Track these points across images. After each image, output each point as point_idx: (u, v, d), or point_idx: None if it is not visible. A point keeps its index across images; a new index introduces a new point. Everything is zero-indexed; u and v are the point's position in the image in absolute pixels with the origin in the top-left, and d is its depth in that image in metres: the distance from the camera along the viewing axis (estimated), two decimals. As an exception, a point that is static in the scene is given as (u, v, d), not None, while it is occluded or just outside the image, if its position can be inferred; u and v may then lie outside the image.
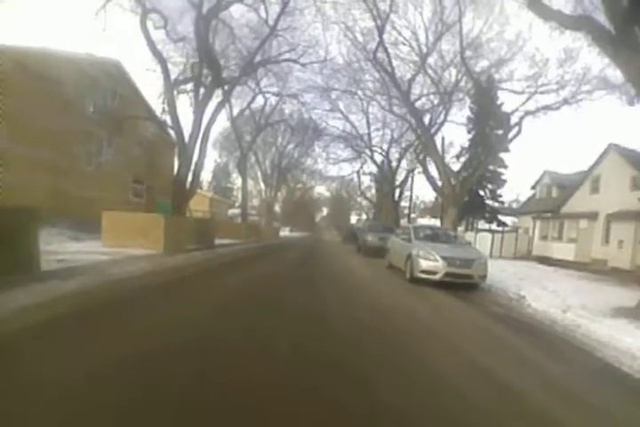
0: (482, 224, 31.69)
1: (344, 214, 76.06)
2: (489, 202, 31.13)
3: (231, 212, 47.70)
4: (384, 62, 16.87)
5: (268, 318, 4.89)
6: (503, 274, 10.91)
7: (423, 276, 8.52)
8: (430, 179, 18.80)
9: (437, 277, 8.33)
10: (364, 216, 63.84)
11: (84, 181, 15.73)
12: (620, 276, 14.12)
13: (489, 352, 4.24)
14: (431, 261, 8.39)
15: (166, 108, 14.62)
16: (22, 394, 2.39)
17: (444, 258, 8.33)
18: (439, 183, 18.12)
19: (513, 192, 68.93)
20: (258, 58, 17.73)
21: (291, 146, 34.64)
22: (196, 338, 3.73)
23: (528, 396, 3.07)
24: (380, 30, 15.33)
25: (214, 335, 3.93)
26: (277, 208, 52.17)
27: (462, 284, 8.42)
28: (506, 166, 30.84)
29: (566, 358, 4.35)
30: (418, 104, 20.16)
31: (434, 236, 10.06)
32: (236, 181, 59.35)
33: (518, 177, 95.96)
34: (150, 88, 34.04)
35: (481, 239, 23.63)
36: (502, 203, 31.85)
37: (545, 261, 19.95)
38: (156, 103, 18.15)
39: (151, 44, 13.64)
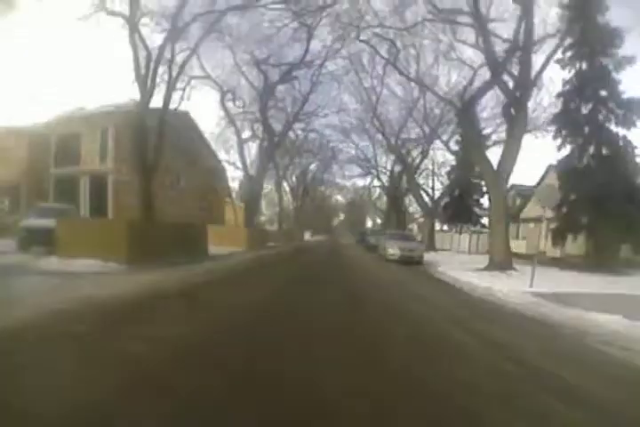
0: (471, 227, 38.50)
1: (359, 219, 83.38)
2: (476, 209, 37.91)
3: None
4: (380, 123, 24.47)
5: (320, 271, 12.42)
6: (438, 257, 18.43)
7: (390, 258, 15.99)
8: (417, 198, 26.15)
9: (396, 258, 15.81)
10: (378, 220, 71.00)
11: (169, 201, 23.51)
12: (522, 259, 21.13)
13: (407, 281, 11.73)
14: (392, 250, 15.86)
15: (237, 152, 22.44)
16: (226, 300, 9.98)
17: (399, 248, 15.81)
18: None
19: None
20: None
21: (312, 165, 42.47)
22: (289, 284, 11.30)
23: (418, 291, 10.48)
24: (374, 107, 22.95)
25: (301, 279, 11.48)
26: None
27: (410, 261, 15.83)
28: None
29: (441, 285, 11.70)
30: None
31: (398, 237, 17.60)
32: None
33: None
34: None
35: (462, 239, 30.69)
36: (484, 209, 38.54)
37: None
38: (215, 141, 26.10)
39: (229, 115, 21.48)
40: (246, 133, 23.74)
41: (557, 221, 19.24)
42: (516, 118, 14.73)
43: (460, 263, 15.99)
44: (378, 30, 16.00)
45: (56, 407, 2.47)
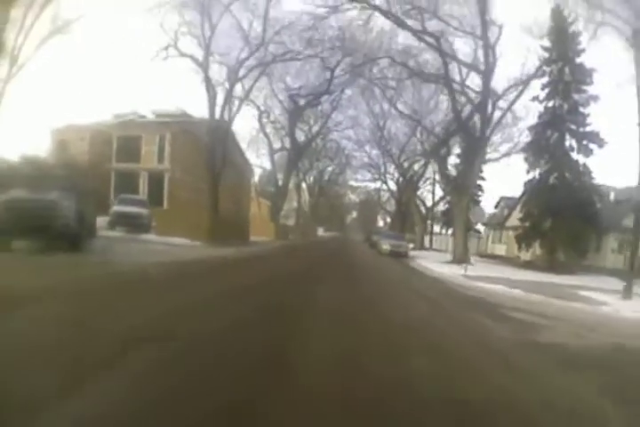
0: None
1: (371, 218, 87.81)
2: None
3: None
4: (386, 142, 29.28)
5: (330, 255, 17.39)
6: (423, 254, 23.15)
7: (383, 252, 20.88)
8: (412, 207, 30.83)
9: (388, 252, 20.69)
10: (388, 220, 75.50)
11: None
12: (499, 260, 25.73)
13: (387, 263, 16.68)
14: (384, 246, 20.71)
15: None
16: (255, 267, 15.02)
17: (390, 245, 20.67)
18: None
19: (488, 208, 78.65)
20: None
21: (329, 168, 47.26)
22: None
23: (391, 269, 15.38)
24: (382, 129, 27.82)
25: (316, 256, 16.47)
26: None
27: (397, 255, 20.63)
28: (482, 190, 42.04)
29: (409, 268, 16.55)
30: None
31: (390, 236, 22.48)
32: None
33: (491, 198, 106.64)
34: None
35: (449, 240, 35.26)
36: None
37: (486, 255, 31.41)
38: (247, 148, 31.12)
39: (264, 130, 26.46)
40: (276, 144, 28.81)
41: (520, 230, 23.80)
42: (475, 155, 19.38)
43: (434, 259, 20.69)
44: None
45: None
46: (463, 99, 19.15)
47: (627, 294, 11.70)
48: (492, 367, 3.75)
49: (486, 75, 17.25)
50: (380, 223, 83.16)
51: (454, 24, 17.03)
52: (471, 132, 18.99)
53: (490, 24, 17.79)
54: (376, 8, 16.22)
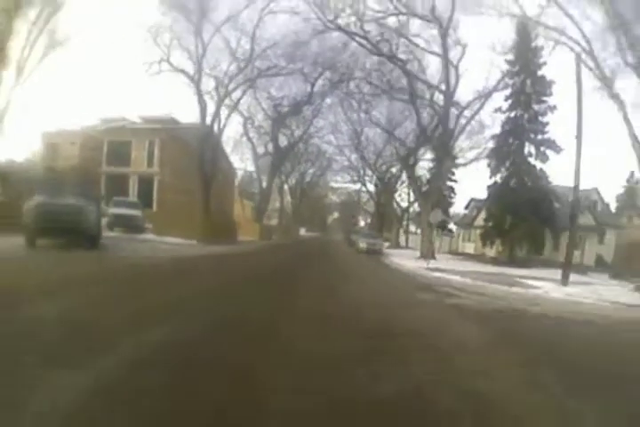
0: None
1: (352, 218, 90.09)
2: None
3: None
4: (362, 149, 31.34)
5: (312, 252, 19.26)
6: (396, 251, 25.17)
7: (360, 249, 22.87)
8: (388, 209, 32.99)
9: (364, 249, 22.69)
10: (368, 220, 77.82)
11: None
12: (467, 257, 28.07)
13: (362, 259, 18.58)
14: (361, 244, 22.71)
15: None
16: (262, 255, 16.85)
17: (366, 243, 22.66)
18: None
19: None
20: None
21: (310, 170, 49.13)
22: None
23: (364, 264, 17.32)
24: (359, 136, 29.85)
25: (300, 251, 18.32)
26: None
27: (373, 252, 22.64)
28: (455, 192, 44.68)
29: (381, 263, 18.56)
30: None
31: (366, 235, 24.47)
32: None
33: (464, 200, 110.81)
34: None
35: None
36: (451, 217, 45.63)
37: (457, 253, 33.79)
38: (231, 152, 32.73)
39: (248, 136, 28.11)
40: (260, 148, 30.52)
41: (484, 230, 26.17)
42: (440, 164, 21.58)
43: (405, 255, 22.80)
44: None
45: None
46: (433, 110, 21.28)
47: (564, 281, 13.95)
48: (403, 307, 5.73)
49: (447, 94, 19.42)
50: (362, 223, 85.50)
51: (423, 44, 19.13)
52: (435, 145, 21.16)
53: (455, 44, 20.01)
54: (352, 34, 18.19)
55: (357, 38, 18.55)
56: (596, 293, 12.18)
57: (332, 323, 4.63)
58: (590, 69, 17.87)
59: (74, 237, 10.00)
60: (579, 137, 14.74)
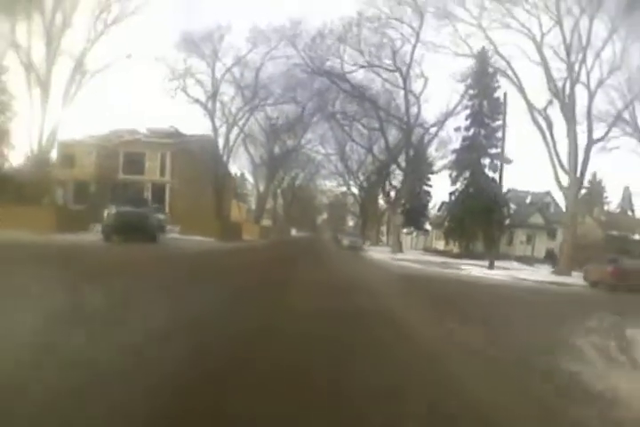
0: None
1: (340, 219, 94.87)
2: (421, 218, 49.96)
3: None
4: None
5: (304, 248, 23.98)
6: (375, 248, 30.05)
7: (344, 246, 27.68)
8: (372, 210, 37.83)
9: (347, 246, 27.54)
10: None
11: (207, 202, 34.55)
12: (437, 252, 33.11)
13: (344, 254, 23.34)
14: (344, 242, 27.56)
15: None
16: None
17: (348, 240, 27.50)
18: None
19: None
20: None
21: (301, 175, 53.84)
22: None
23: (345, 257, 22.03)
24: (343, 150, 34.71)
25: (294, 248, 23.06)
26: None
27: (354, 248, 27.45)
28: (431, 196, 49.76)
29: (358, 256, 23.30)
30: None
31: (349, 234, 29.42)
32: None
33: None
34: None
35: (407, 238, 42.53)
36: (427, 217, 50.80)
37: (430, 250, 38.83)
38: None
39: (248, 151, 32.69)
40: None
41: (446, 229, 31.23)
42: (405, 178, 26.48)
43: (380, 251, 27.67)
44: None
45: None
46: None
47: (490, 266, 18.90)
48: (362, 272, 10.52)
49: (408, 123, 24.41)
50: (350, 223, 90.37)
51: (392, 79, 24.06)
52: (399, 164, 26.15)
53: (418, 77, 24.98)
54: (334, 77, 23.03)
55: (338, 81, 23.37)
56: (508, 273, 17.14)
57: (318, 275, 9.31)
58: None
59: (140, 234, 14.53)
60: (501, 155, 19.90)
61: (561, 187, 20.83)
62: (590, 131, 21.46)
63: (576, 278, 17.46)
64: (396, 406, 2.08)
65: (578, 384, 2.73)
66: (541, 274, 18.87)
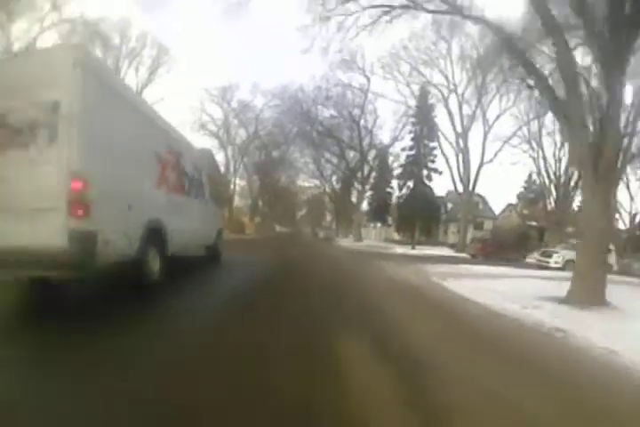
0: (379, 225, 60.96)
1: (319, 214, 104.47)
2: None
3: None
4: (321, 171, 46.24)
5: (291, 240, 34.01)
6: (344, 239, 40.29)
7: (319, 238, 37.77)
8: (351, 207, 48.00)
9: (322, 238, 37.67)
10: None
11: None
12: (393, 241, 43.73)
13: (319, 242, 33.51)
14: (320, 234, 37.85)
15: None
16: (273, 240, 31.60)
17: (323, 233, 37.84)
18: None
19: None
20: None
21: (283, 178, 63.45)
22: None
23: (319, 245, 32.11)
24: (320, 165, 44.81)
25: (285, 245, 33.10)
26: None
27: (327, 239, 37.57)
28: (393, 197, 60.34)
29: (329, 244, 33.43)
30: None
31: (324, 228, 39.66)
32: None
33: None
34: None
35: (374, 231, 53.01)
36: (390, 214, 61.41)
37: (389, 240, 49.40)
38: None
39: (246, 168, 42.27)
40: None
41: (396, 224, 41.84)
42: (362, 188, 36.76)
43: (347, 241, 37.77)
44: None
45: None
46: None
47: (413, 248, 29.39)
48: (328, 250, 20.74)
49: (362, 150, 34.70)
50: (328, 217, 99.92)
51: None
52: (357, 177, 36.43)
53: (371, 113, 35.33)
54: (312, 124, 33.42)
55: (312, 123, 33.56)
56: (421, 251, 27.50)
57: (307, 250, 19.23)
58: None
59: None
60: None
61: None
62: (483, 154, 32.44)
63: (465, 254, 28.02)
64: (335, 256, 12.26)
65: (363, 256, 12.97)
66: (446, 252, 29.39)
